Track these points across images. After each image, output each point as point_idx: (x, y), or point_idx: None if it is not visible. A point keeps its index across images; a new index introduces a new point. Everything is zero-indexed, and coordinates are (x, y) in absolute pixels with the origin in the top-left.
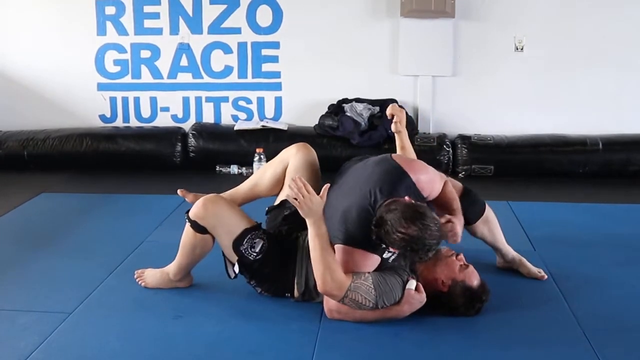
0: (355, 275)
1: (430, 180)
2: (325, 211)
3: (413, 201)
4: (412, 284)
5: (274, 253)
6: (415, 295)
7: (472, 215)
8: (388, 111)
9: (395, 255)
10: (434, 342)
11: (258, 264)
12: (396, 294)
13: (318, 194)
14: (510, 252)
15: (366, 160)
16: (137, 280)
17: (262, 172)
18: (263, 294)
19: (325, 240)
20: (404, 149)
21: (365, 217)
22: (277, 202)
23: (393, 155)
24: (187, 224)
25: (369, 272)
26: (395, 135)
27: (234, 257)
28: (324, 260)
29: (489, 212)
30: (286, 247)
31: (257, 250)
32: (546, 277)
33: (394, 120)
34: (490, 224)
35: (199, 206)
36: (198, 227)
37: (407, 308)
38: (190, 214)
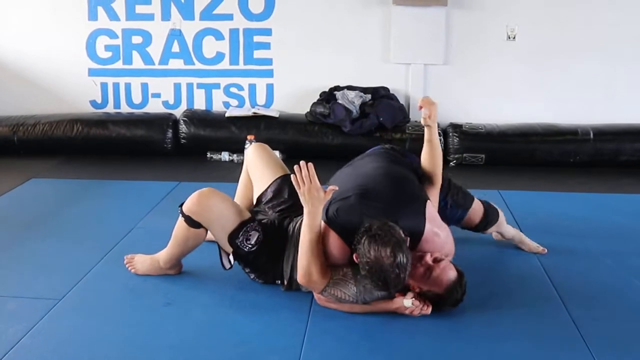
0: (334, 271)
1: (431, 246)
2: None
3: (407, 240)
4: (409, 302)
5: (268, 244)
6: (415, 311)
7: (486, 228)
8: (419, 103)
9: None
10: (423, 331)
11: (253, 255)
12: (378, 292)
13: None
14: (509, 231)
15: (402, 172)
16: (126, 265)
17: (238, 190)
18: (256, 280)
19: (315, 233)
20: (430, 143)
21: (357, 213)
22: (254, 201)
23: (427, 206)
24: (181, 218)
25: (348, 268)
26: (425, 128)
27: (229, 248)
28: (310, 252)
29: (500, 217)
30: (279, 237)
31: (252, 242)
32: (546, 251)
33: (423, 115)
34: (499, 225)
35: (193, 201)
36: (192, 222)
37: (399, 310)
38: (184, 208)
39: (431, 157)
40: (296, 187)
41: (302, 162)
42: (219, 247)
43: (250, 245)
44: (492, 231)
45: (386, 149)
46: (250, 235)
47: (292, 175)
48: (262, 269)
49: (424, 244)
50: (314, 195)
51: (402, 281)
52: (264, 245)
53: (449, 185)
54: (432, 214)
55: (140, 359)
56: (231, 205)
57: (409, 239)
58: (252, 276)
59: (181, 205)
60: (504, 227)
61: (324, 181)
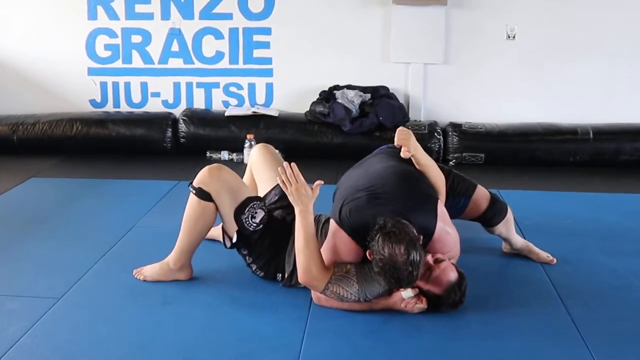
0: (337, 267)
1: (442, 245)
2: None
3: (421, 238)
4: (408, 293)
5: (273, 227)
6: (409, 304)
7: (494, 221)
8: (396, 142)
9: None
10: (424, 330)
11: (257, 236)
12: (380, 288)
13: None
14: (518, 241)
15: (411, 170)
16: (135, 276)
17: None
18: (257, 272)
19: (309, 232)
20: (420, 166)
21: (368, 214)
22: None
23: (438, 205)
24: (191, 196)
25: (351, 264)
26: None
27: (233, 228)
28: (306, 250)
29: (508, 212)
30: (283, 228)
31: (257, 221)
32: (555, 261)
33: (402, 154)
34: (508, 223)
35: (203, 173)
36: (202, 194)
37: (396, 305)
38: (195, 181)
39: (426, 174)
40: (283, 188)
41: (284, 163)
42: (223, 231)
43: (255, 224)
44: (502, 230)
45: (395, 147)
46: (256, 213)
47: (277, 178)
48: (264, 254)
49: (436, 243)
50: (302, 193)
51: (415, 279)
52: (268, 226)
53: (451, 176)
54: (442, 212)
55: (140, 358)
56: (239, 180)
57: (422, 237)
58: (254, 267)
59: (191, 183)
60: (513, 235)
61: (325, 181)
